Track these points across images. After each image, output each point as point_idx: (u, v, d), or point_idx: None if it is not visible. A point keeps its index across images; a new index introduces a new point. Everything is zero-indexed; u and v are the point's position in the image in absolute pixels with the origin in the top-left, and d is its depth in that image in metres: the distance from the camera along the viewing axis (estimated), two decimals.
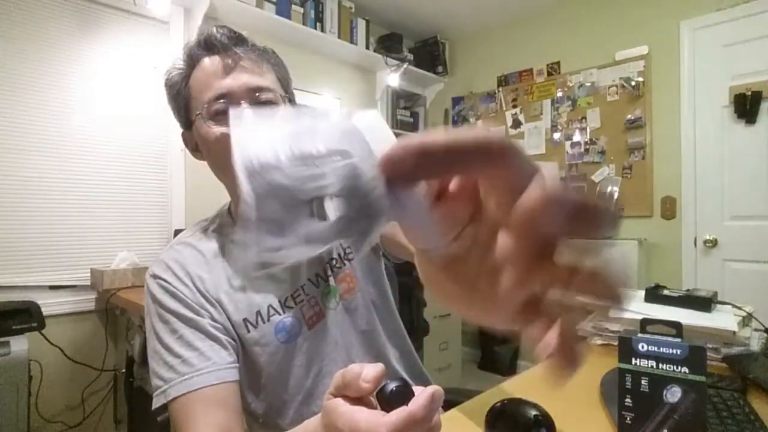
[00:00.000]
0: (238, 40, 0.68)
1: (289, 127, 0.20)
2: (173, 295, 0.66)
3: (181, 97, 0.69)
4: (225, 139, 0.64)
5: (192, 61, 0.68)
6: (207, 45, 0.67)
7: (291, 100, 0.72)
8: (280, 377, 0.70)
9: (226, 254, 0.71)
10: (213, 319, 0.66)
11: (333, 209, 0.19)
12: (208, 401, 0.60)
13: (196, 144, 0.71)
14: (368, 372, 0.36)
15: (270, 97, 0.66)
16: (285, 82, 0.72)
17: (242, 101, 0.64)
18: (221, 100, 0.64)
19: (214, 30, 0.67)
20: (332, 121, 0.21)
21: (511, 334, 0.22)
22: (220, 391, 0.61)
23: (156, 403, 0.62)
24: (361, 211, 0.19)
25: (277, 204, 0.19)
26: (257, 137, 0.19)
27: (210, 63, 0.66)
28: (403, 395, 0.35)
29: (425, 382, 0.84)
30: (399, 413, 0.33)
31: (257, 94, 0.65)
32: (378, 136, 0.20)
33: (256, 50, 0.68)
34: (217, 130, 0.64)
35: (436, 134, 0.17)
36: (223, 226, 0.75)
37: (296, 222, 0.19)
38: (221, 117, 0.64)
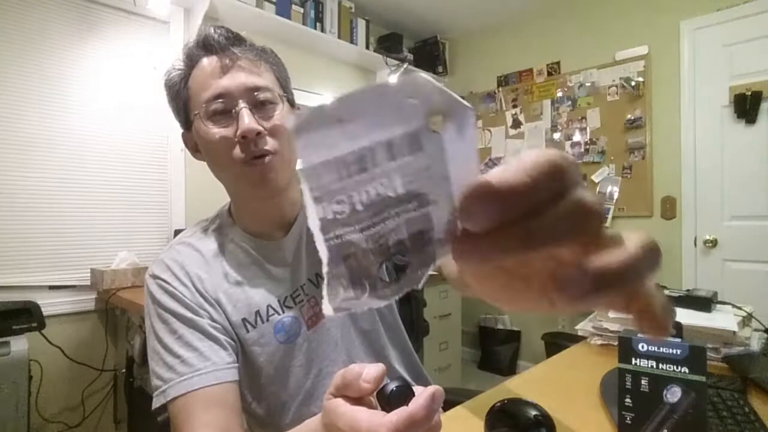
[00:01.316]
0: (236, 40, 0.68)
1: (365, 150, 0.17)
2: (172, 296, 0.66)
3: (181, 97, 0.69)
4: (224, 141, 0.64)
5: (191, 61, 0.67)
6: (205, 45, 0.67)
7: (290, 100, 0.72)
8: (280, 377, 0.70)
9: (225, 254, 0.71)
10: (212, 319, 0.66)
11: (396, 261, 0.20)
12: (208, 401, 0.60)
13: (195, 144, 0.70)
14: (369, 372, 0.36)
15: (268, 97, 0.66)
16: (284, 82, 0.72)
17: (240, 101, 0.64)
18: (219, 100, 0.64)
19: (212, 30, 0.67)
20: (412, 140, 0.18)
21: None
22: (219, 392, 0.61)
23: (156, 403, 0.62)
24: (423, 263, 0.20)
25: (352, 264, 0.19)
26: (331, 174, 0.18)
27: (208, 63, 0.66)
28: (404, 395, 0.35)
29: (425, 383, 0.83)
30: (399, 413, 0.33)
31: (255, 93, 0.65)
32: (461, 156, 0.18)
33: (253, 50, 0.68)
34: (215, 131, 0.64)
35: (520, 182, 0.17)
36: (223, 227, 0.74)
37: (365, 276, 0.19)
38: (219, 117, 0.64)
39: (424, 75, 0.17)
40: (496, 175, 0.18)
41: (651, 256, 0.19)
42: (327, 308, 0.21)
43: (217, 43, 0.66)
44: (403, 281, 0.20)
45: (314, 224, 0.18)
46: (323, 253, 0.19)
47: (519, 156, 0.19)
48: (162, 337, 0.64)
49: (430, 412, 0.33)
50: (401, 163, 0.18)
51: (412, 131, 0.17)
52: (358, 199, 0.18)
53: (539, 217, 0.18)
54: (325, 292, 0.20)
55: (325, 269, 0.19)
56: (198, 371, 0.61)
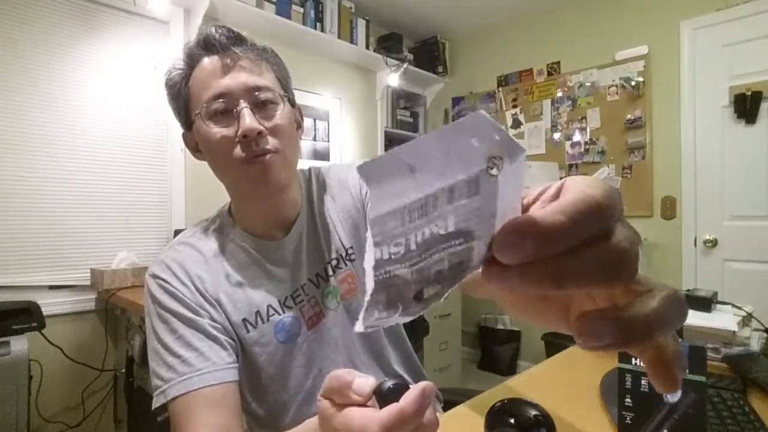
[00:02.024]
0: (237, 39, 0.68)
1: (429, 198, 0.18)
2: (173, 295, 0.66)
3: (182, 97, 0.69)
4: (225, 141, 0.64)
5: (192, 61, 0.67)
6: (206, 45, 0.67)
7: (290, 100, 0.72)
8: (280, 377, 0.70)
9: (225, 254, 0.71)
10: (212, 319, 0.66)
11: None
12: (207, 401, 0.60)
13: (196, 144, 0.70)
14: (360, 385, 0.36)
15: (269, 97, 0.66)
16: (284, 82, 0.72)
17: (241, 100, 0.64)
18: (220, 100, 0.64)
19: (213, 30, 0.67)
20: (472, 184, 0.19)
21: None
22: (219, 391, 0.61)
23: (156, 403, 0.62)
24: (451, 285, 0.21)
25: (392, 291, 0.20)
26: (395, 221, 0.18)
27: (209, 63, 0.66)
28: (400, 393, 0.35)
29: None
30: (390, 410, 0.33)
31: (256, 93, 0.65)
32: (509, 193, 0.19)
33: (254, 50, 0.68)
34: (216, 130, 0.64)
35: (559, 230, 0.18)
36: (223, 226, 0.74)
37: (401, 300, 0.21)
38: (220, 117, 0.64)
39: (484, 114, 0.18)
40: (535, 214, 0.18)
41: (679, 310, 0.20)
42: (359, 327, 0.22)
43: (219, 42, 0.66)
44: (430, 300, 0.22)
45: (369, 264, 0.19)
46: (369, 286, 0.20)
47: (562, 189, 0.20)
48: (162, 337, 0.64)
49: (420, 407, 0.33)
50: (457, 205, 0.19)
51: (473, 176, 0.18)
52: (413, 241, 0.19)
53: (573, 257, 0.18)
54: (361, 315, 0.21)
55: (367, 297, 0.20)
56: (198, 371, 0.61)
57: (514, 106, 3.22)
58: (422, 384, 0.34)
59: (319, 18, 2.69)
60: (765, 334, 0.90)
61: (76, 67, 1.93)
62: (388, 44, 3.13)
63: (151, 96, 2.11)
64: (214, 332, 0.65)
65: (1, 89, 1.76)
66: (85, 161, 1.95)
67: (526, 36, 3.17)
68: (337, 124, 3.00)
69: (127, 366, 1.89)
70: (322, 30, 2.70)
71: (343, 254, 0.77)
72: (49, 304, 1.79)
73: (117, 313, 2.01)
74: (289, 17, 2.51)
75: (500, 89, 3.29)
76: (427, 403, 0.33)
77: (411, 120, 3.53)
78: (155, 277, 0.68)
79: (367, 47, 3.00)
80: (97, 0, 1.98)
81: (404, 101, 3.59)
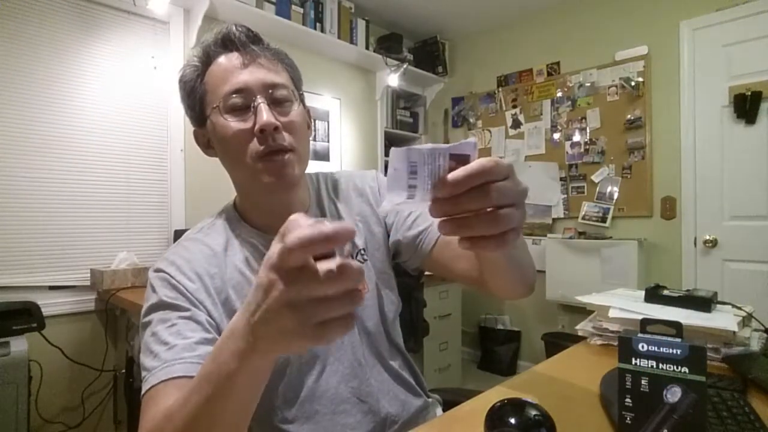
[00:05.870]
0: (255, 38, 0.70)
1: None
2: (174, 288, 0.64)
3: (196, 93, 0.70)
4: (241, 134, 0.65)
5: (208, 58, 0.69)
6: (224, 42, 0.68)
7: (302, 100, 0.73)
8: (284, 374, 0.70)
9: (233, 248, 0.71)
10: (210, 315, 0.65)
11: None
12: (182, 388, 0.50)
13: (208, 141, 0.72)
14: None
15: (284, 94, 0.68)
16: (298, 82, 0.74)
17: (258, 96, 0.65)
18: (238, 95, 0.65)
19: (233, 28, 0.69)
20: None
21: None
22: None
23: (143, 399, 0.57)
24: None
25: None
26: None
27: (227, 59, 0.68)
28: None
29: (422, 388, 0.84)
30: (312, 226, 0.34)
31: (272, 90, 0.66)
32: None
33: (271, 49, 0.71)
34: (234, 124, 0.65)
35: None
36: (230, 221, 0.75)
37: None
38: (237, 111, 0.66)
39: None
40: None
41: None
42: (386, 205, 0.42)
43: (238, 40, 0.68)
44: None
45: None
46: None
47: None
48: (154, 328, 0.61)
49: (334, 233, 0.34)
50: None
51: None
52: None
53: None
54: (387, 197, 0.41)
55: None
56: (182, 359, 0.56)
57: (514, 107, 3.22)
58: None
59: (318, 18, 2.69)
60: (765, 334, 0.90)
61: (75, 67, 1.93)
62: (388, 44, 3.13)
63: (151, 96, 2.11)
64: (209, 327, 0.63)
65: (1, 89, 1.76)
66: (85, 161, 1.95)
67: (525, 36, 3.18)
68: (336, 125, 3.00)
69: (127, 366, 1.89)
70: (322, 30, 2.70)
71: (354, 254, 0.77)
72: (49, 304, 1.79)
73: (117, 314, 2.01)
74: (289, 17, 2.51)
75: (500, 89, 3.29)
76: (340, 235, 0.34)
77: (411, 120, 3.53)
78: (159, 270, 0.67)
79: (367, 47, 3.00)
80: (97, 0, 1.99)
81: (404, 101, 3.59)
